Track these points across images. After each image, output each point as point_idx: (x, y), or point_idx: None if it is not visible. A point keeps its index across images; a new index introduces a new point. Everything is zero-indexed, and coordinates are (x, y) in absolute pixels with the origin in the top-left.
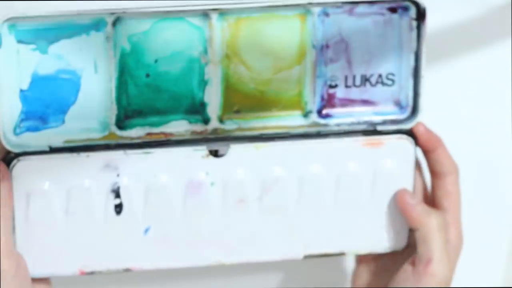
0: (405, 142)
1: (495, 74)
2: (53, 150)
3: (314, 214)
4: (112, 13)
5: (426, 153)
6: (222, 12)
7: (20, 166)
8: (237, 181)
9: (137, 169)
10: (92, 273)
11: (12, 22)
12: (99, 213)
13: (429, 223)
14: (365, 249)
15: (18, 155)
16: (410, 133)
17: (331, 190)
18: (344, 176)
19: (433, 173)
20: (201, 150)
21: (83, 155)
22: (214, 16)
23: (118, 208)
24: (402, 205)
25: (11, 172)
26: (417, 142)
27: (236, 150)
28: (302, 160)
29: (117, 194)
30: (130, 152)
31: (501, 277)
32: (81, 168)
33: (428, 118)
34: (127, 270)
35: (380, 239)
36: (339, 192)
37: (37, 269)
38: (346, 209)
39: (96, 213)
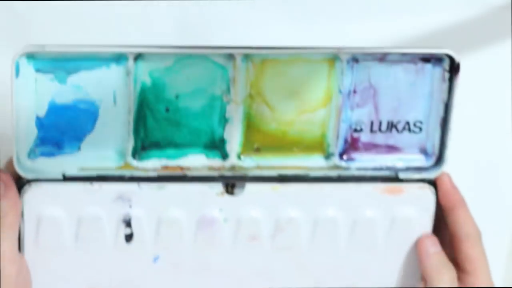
0: (426, 191)
1: (495, 74)
2: (66, 179)
3: (327, 255)
4: (134, 49)
5: (444, 210)
6: (247, 53)
7: (32, 192)
8: (251, 219)
9: (150, 202)
10: None
11: (31, 50)
12: (109, 241)
13: (437, 279)
14: None
15: (29, 181)
16: (432, 182)
17: (345, 235)
18: (360, 222)
19: (452, 234)
20: (216, 188)
21: (96, 185)
22: (239, 57)
23: (129, 237)
24: (420, 251)
25: (22, 197)
26: (437, 194)
27: (252, 190)
28: (319, 203)
29: (128, 224)
30: (144, 185)
31: (501, 277)
32: (93, 198)
33: None
34: None
35: (392, 281)
36: (354, 237)
37: None
38: (359, 253)
39: (105, 241)
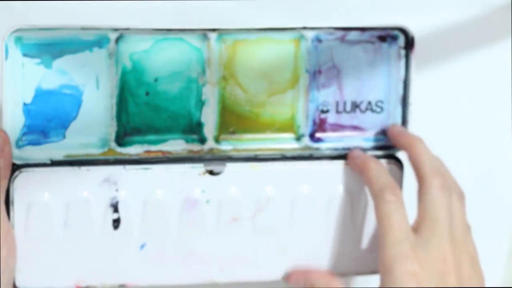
0: (393, 167)
1: (495, 74)
2: (54, 163)
3: (305, 234)
4: (115, 30)
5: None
6: (220, 33)
7: (22, 178)
8: (232, 200)
9: (135, 184)
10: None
11: (19, 35)
12: (96, 227)
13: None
14: (353, 271)
15: (20, 166)
16: (398, 158)
17: (321, 211)
18: (334, 198)
19: None
20: (198, 168)
21: (83, 168)
22: (213, 37)
23: (116, 223)
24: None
25: (13, 183)
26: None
27: (232, 169)
28: (294, 181)
29: (116, 209)
30: (129, 167)
31: (501, 277)
32: (81, 181)
33: (428, 119)
34: (122, 286)
35: (369, 261)
36: (330, 213)
37: (34, 282)
38: (336, 230)
39: (94, 227)
